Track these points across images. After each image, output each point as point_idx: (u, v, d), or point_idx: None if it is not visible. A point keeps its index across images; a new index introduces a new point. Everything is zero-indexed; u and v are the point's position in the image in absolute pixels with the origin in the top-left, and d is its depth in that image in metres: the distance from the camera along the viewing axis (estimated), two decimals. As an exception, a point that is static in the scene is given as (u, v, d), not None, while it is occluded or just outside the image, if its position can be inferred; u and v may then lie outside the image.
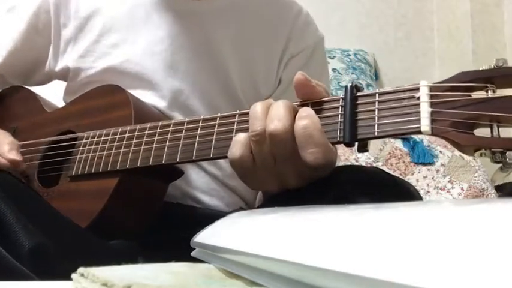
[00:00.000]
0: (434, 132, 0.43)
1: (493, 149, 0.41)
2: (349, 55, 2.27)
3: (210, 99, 0.77)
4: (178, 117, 0.74)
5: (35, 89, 0.89)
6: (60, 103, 0.86)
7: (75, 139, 0.71)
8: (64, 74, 0.83)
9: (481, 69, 0.44)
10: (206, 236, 0.41)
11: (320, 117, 0.49)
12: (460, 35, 2.37)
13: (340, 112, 0.49)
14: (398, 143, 1.85)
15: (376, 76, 2.38)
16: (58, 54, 0.83)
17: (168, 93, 0.75)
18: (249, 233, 0.35)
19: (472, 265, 0.16)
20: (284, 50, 0.81)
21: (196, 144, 0.57)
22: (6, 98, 0.88)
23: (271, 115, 0.48)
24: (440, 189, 1.81)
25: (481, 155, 0.43)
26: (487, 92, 0.43)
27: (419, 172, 1.82)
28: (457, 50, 2.38)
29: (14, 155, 0.67)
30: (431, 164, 1.83)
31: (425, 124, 0.43)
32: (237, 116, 0.55)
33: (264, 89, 0.80)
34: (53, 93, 0.91)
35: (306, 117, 0.48)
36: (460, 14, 2.38)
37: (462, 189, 1.80)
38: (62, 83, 0.88)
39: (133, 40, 0.78)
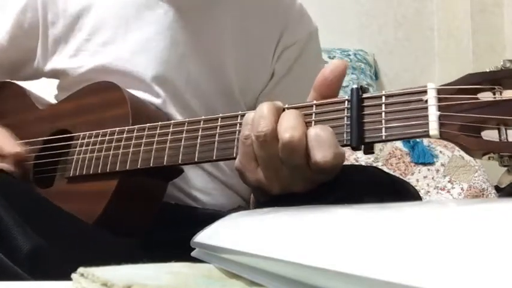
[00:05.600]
0: (443, 136, 0.43)
1: (501, 153, 0.42)
2: (349, 55, 2.27)
3: (205, 95, 0.76)
4: (174, 113, 0.74)
5: (25, 84, 0.87)
6: (50, 98, 0.85)
7: (71, 139, 0.70)
8: (55, 74, 0.82)
9: (488, 70, 0.44)
10: (206, 236, 0.41)
11: (326, 120, 0.49)
12: (460, 35, 2.37)
13: (346, 114, 0.48)
14: (398, 143, 1.85)
15: (376, 76, 2.38)
16: (47, 54, 0.81)
17: (161, 90, 0.75)
18: (249, 233, 0.35)
19: (472, 265, 0.16)
20: (278, 41, 0.80)
21: (198, 145, 0.56)
22: None
23: (284, 125, 0.47)
24: (440, 189, 1.81)
25: (489, 158, 0.43)
26: (494, 93, 0.43)
27: (419, 172, 1.82)
28: (457, 50, 2.38)
29: (16, 148, 0.68)
30: (431, 164, 1.83)
31: (433, 128, 0.43)
32: (239, 117, 0.54)
33: (259, 83, 0.80)
34: (43, 88, 0.90)
35: (319, 122, 0.48)
36: (460, 14, 2.38)
37: (462, 189, 1.80)
38: (52, 80, 0.87)
39: (125, 38, 0.76)
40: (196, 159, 0.57)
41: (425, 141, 1.87)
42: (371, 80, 2.24)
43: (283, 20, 0.81)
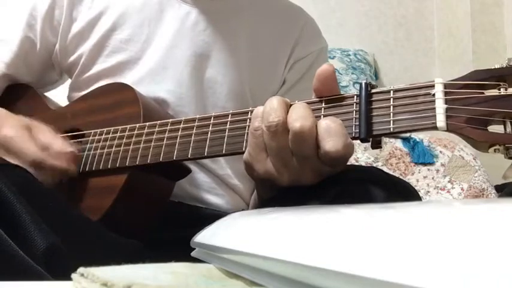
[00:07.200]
0: (449, 128, 0.44)
1: (507, 145, 0.42)
2: (349, 55, 2.27)
3: (218, 94, 0.79)
4: (187, 111, 0.75)
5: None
6: (63, 103, 0.86)
7: (83, 136, 0.71)
8: (71, 68, 0.83)
9: (493, 67, 0.45)
10: (206, 236, 0.41)
11: (335, 113, 0.50)
12: (460, 35, 2.37)
13: (355, 108, 0.49)
14: (398, 143, 1.85)
15: (376, 76, 2.38)
16: (66, 48, 0.82)
17: (179, 88, 0.77)
18: (249, 233, 0.35)
19: (473, 265, 0.16)
20: (291, 53, 0.85)
21: (208, 140, 0.57)
22: (9, 96, 0.87)
23: (294, 115, 0.48)
24: (440, 189, 1.81)
25: (494, 151, 0.43)
26: (499, 90, 0.44)
27: (419, 172, 1.82)
28: (457, 50, 2.38)
29: (68, 146, 0.64)
30: (431, 164, 1.84)
31: (440, 120, 0.44)
32: (249, 113, 0.55)
33: (269, 88, 0.83)
34: (55, 94, 0.91)
35: (328, 116, 0.49)
36: (460, 14, 2.38)
37: (462, 189, 1.80)
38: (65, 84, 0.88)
39: (147, 35, 0.79)
40: (205, 154, 0.57)
41: (426, 141, 1.87)
42: (371, 80, 2.24)
43: (298, 34, 0.86)
